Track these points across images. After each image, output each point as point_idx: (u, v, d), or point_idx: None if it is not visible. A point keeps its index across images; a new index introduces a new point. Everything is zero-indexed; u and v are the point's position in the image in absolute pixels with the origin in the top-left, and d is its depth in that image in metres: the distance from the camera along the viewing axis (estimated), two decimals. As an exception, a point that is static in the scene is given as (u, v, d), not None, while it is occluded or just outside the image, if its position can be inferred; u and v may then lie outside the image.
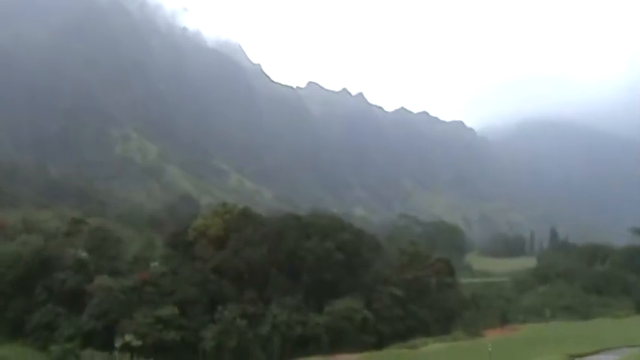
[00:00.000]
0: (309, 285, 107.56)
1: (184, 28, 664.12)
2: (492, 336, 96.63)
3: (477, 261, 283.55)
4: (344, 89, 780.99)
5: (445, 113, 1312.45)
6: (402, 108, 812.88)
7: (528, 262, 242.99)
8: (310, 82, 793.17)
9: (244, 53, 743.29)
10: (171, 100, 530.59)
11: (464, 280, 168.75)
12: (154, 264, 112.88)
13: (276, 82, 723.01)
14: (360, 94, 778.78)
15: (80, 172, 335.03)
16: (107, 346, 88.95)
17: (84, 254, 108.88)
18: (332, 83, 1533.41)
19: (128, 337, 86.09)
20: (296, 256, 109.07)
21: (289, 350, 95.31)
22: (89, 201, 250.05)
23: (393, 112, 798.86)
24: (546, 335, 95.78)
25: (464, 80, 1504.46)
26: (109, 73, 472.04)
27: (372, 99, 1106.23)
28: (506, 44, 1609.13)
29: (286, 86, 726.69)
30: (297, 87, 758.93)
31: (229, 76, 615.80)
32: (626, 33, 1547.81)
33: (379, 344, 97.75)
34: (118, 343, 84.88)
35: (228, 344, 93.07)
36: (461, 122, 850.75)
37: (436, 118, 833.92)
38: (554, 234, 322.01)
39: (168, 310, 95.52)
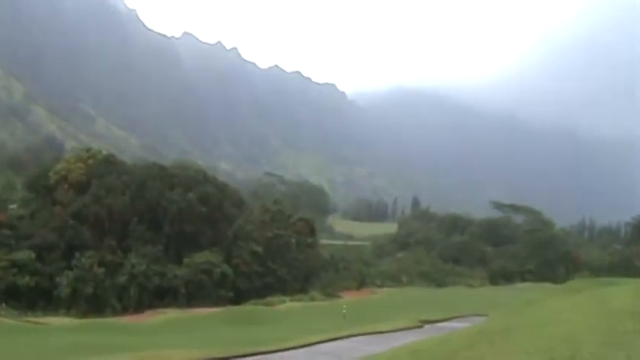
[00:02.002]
0: (170, 236, 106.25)
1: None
2: (348, 298, 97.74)
3: (339, 223, 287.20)
4: (219, 42, 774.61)
5: (318, 75, 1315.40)
6: (276, 66, 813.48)
7: (390, 228, 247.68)
8: (186, 33, 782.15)
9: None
10: (42, 40, 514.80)
11: (325, 241, 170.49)
12: (12, 206, 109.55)
13: (151, 30, 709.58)
14: (235, 49, 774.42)
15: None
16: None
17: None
18: (208, 35, 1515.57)
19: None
20: (158, 206, 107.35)
21: (146, 301, 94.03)
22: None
23: (266, 69, 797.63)
24: (401, 300, 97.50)
25: (339, 43, 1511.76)
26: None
27: (247, 55, 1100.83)
28: (385, 12, 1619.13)
29: (161, 35, 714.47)
30: (172, 36, 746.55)
31: (104, 20, 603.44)
32: (501, 16, 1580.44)
33: (237, 300, 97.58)
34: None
35: (84, 291, 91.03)
36: (333, 85, 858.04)
37: (309, 78, 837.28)
38: (416, 202, 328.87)
39: (24, 255, 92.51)
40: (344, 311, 73.78)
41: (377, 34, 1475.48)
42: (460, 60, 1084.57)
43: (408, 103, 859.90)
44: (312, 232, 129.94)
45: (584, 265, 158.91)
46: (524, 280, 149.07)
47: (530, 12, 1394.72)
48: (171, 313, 75.22)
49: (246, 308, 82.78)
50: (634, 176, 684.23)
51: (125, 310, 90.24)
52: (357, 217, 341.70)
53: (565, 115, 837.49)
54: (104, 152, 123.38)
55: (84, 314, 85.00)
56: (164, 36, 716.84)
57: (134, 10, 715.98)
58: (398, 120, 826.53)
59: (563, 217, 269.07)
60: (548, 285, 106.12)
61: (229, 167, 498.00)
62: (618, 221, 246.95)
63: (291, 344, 41.92)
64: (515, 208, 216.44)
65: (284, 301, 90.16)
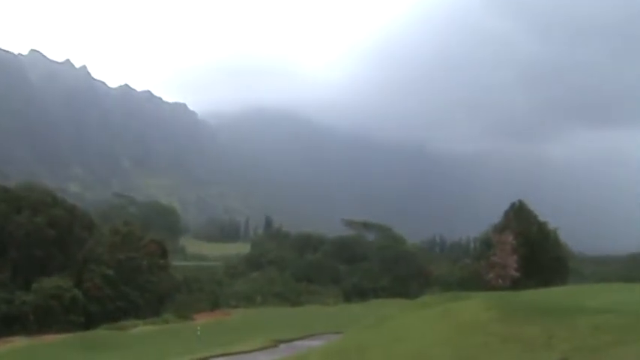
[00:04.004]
0: (18, 261, 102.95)
1: None
2: (203, 319, 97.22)
3: (191, 244, 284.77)
4: (67, 60, 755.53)
5: (169, 94, 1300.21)
6: (126, 85, 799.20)
7: (242, 248, 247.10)
8: (33, 50, 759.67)
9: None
10: None
11: (177, 262, 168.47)
12: None
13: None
14: (84, 67, 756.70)
15: None
16: None
17: None
18: (56, 53, 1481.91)
19: None
20: (4, 231, 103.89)
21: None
22: None
23: (116, 88, 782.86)
24: (256, 320, 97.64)
25: (189, 62, 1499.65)
26: None
27: (96, 73, 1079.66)
28: (236, 30, 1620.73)
29: (6, 51, 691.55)
30: (19, 54, 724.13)
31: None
32: (352, 32, 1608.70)
33: (88, 325, 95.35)
34: None
35: None
36: (184, 105, 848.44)
37: (160, 98, 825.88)
38: (269, 221, 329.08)
39: None
40: (198, 333, 73.26)
41: (227, 54, 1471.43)
42: (312, 78, 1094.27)
43: (261, 123, 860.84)
44: (163, 253, 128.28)
45: (435, 280, 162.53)
46: (377, 296, 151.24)
47: (377, 30, 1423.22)
48: (19, 342, 72.94)
49: (98, 333, 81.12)
50: (482, 191, 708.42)
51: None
52: (209, 238, 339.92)
53: (414, 132, 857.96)
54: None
55: None
56: (10, 53, 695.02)
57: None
58: (250, 139, 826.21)
59: (414, 233, 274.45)
60: (401, 301, 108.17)
61: (79, 189, 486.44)
62: (468, 236, 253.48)
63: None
64: (366, 226, 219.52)
65: (137, 325, 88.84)
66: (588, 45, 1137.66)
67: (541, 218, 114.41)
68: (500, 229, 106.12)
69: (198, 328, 77.87)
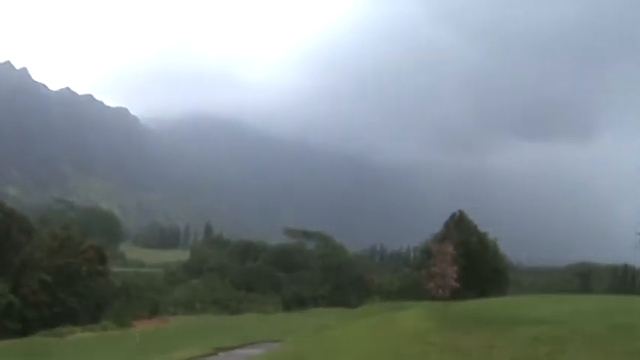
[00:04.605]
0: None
1: None
2: (142, 326, 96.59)
3: (131, 250, 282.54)
4: (8, 62, 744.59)
5: (111, 98, 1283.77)
6: (68, 88, 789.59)
7: (182, 255, 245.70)
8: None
9: None
10: None
11: (116, 268, 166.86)
12: None
13: None
14: (25, 69, 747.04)
15: None
16: None
17: None
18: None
19: None
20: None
21: None
22: None
23: (57, 90, 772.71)
24: (195, 328, 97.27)
25: (131, 66, 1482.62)
26: None
27: (37, 75, 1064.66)
28: (177, 35, 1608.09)
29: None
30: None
31: None
32: (291, 37, 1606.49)
33: (24, 331, 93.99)
34: None
35: None
36: (126, 109, 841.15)
37: (101, 102, 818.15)
38: (209, 228, 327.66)
39: None
40: (137, 340, 72.69)
41: (168, 60, 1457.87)
42: (252, 84, 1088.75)
43: (202, 129, 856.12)
44: (102, 259, 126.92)
45: (375, 289, 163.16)
46: (317, 305, 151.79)
47: (316, 36, 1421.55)
48: (-49, 349, 71.60)
49: (34, 340, 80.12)
50: (423, 202, 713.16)
51: None
52: (148, 244, 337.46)
53: (355, 140, 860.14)
54: None
55: None
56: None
57: None
58: (191, 145, 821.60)
59: (355, 242, 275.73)
60: (341, 310, 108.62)
61: (17, 192, 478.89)
62: (408, 246, 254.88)
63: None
64: (307, 234, 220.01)
65: (75, 332, 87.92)
66: (530, 58, 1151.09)
67: (481, 229, 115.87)
68: (441, 239, 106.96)
69: (137, 335, 77.30)
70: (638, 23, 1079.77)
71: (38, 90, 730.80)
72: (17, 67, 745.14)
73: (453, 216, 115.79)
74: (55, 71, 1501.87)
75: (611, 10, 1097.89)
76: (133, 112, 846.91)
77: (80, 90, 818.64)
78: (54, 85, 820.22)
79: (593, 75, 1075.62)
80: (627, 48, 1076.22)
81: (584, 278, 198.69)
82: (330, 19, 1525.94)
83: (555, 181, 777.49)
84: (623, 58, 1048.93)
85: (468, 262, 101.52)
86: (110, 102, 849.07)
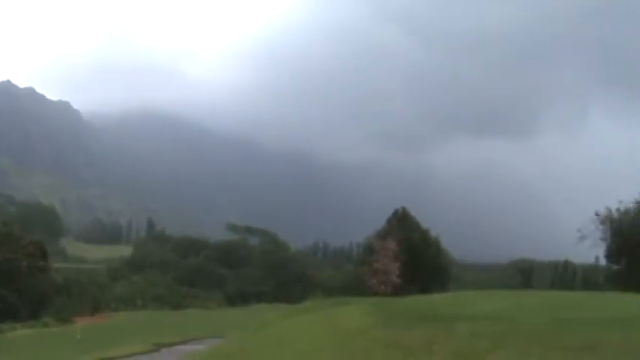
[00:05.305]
0: None
1: None
2: (83, 323, 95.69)
3: (72, 246, 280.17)
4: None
5: (52, 91, 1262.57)
6: (8, 81, 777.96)
7: (124, 250, 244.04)
8: None
9: None
10: None
11: (57, 264, 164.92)
12: None
13: None
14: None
15: None
16: None
17: None
18: None
19: None
20: None
21: None
22: None
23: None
24: (137, 324, 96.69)
25: (73, 59, 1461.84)
26: None
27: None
28: (119, 28, 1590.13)
29: None
30: None
31: None
32: (233, 31, 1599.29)
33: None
34: None
35: None
36: (67, 103, 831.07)
37: (43, 95, 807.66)
38: (151, 224, 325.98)
39: None
40: (78, 337, 71.97)
41: (108, 53, 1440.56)
42: (194, 78, 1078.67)
43: (145, 124, 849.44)
44: (43, 255, 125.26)
45: (318, 285, 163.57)
46: (260, 301, 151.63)
47: (258, 31, 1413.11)
48: None
49: (-27, 337, 78.96)
50: (367, 199, 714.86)
51: None
52: (90, 240, 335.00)
53: (298, 138, 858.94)
54: None
55: None
56: None
57: None
58: (134, 140, 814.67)
59: (298, 239, 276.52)
60: (283, 306, 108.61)
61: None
62: (351, 242, 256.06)
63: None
64: (250, 231, 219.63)
65: (15, 329, 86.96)
66: (473, 56, 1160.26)
67: (423, 225, 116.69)
68: (383, 235, 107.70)
69: (79, 332, 76.57)
70: (580, 21, 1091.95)
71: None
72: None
73: (395, 212, 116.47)
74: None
75: (554, 9, 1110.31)
76: (75, 105, 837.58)
77: (21, 83, 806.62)
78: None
79: (535, 74, 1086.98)
80: (571, 47, 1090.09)
81: (525, 274, 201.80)
82: (272, 12, 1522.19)
83: (498, 179, 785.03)
84: (566, 57, 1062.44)
85: (410, 259, 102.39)
86: (52, 95, 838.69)
